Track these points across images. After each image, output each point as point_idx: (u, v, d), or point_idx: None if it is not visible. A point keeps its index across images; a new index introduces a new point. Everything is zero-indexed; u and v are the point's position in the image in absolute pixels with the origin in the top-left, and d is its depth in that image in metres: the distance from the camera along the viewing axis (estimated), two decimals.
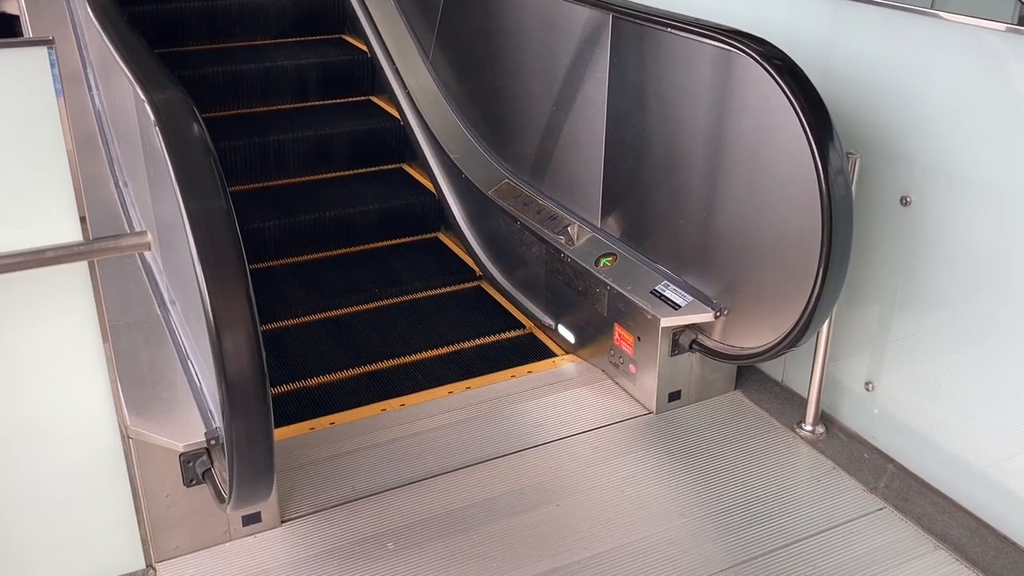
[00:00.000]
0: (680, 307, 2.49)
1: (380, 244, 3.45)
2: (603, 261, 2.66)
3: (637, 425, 2.53)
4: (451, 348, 2.91)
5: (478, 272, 3.30)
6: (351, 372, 2.75)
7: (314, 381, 2.69)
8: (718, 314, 2.44)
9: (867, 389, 2.48)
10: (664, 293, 2.56)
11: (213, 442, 1.79)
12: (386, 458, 2.36)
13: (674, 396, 2.62)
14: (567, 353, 2.90)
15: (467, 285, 3.30)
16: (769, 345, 2.30)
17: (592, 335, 2.73)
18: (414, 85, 3.74)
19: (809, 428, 2.62)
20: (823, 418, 2.56)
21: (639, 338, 2.57)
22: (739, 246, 2.30)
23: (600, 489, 2.27)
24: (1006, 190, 1.99)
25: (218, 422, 1.63)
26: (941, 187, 2.12)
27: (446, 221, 3.48)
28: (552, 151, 2.86)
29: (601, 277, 2.62)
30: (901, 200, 2.26)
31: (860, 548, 2.13)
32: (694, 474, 2.35)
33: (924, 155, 2.13)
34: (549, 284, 2.86)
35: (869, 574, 2.05)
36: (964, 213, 2.09)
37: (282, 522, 2.14)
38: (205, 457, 1.86)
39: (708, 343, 2.47)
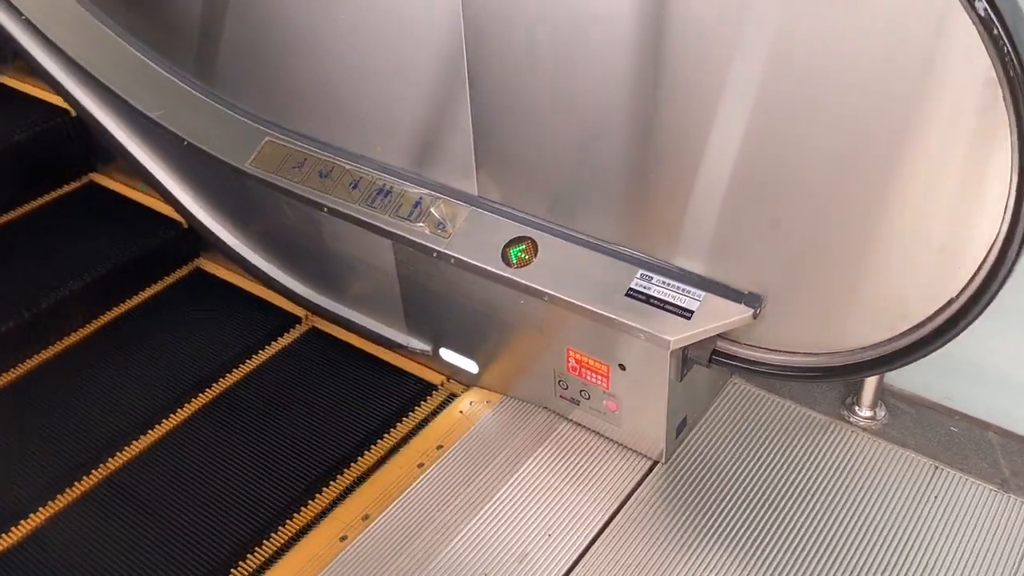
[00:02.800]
0: (692, 312, 1.72)
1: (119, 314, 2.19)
2: (516, 254, 1.83)
3: (655, 498, 1.80)
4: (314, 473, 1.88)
5: (300, 314, 2.23)
6: None
7: None
8: (757, 310, 1.68)
9: None
10: (651, 293, 1.76)
11: None
12: None
13: (680, 427, 1.92)
14: (468, 387, 2.07)
15: (288, 339, 2.17)
16: (909, 339, 1.53)
17: (511, 359, 1.97)
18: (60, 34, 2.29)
19: (867, 413, 1.96)
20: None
21: (623, 366, 1.82)
22: (801, 191, 1.52)
23: None
24: None
25: None
26: None
27: (203, 238, 2.31)
28: (351, 80, 1.88)
29: (525, 282, 1.80)
30: None
31: None
32: (783, 555, 1.69)
33: None
34: (411, 298, 2.05)
35: None
36: None
37: None
38: None
39: (749, 353, 1.73)
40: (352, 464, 1.90)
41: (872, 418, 1.95)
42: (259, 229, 2.24)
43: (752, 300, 1.69)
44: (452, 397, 2.08)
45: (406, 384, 2.10)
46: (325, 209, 1.99)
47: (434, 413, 2.05)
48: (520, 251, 1.83)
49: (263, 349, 2.14)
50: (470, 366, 2.07)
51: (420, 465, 1.88)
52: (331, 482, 1.86)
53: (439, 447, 1.93)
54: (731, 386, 2.04)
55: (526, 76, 1.64)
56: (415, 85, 1.79)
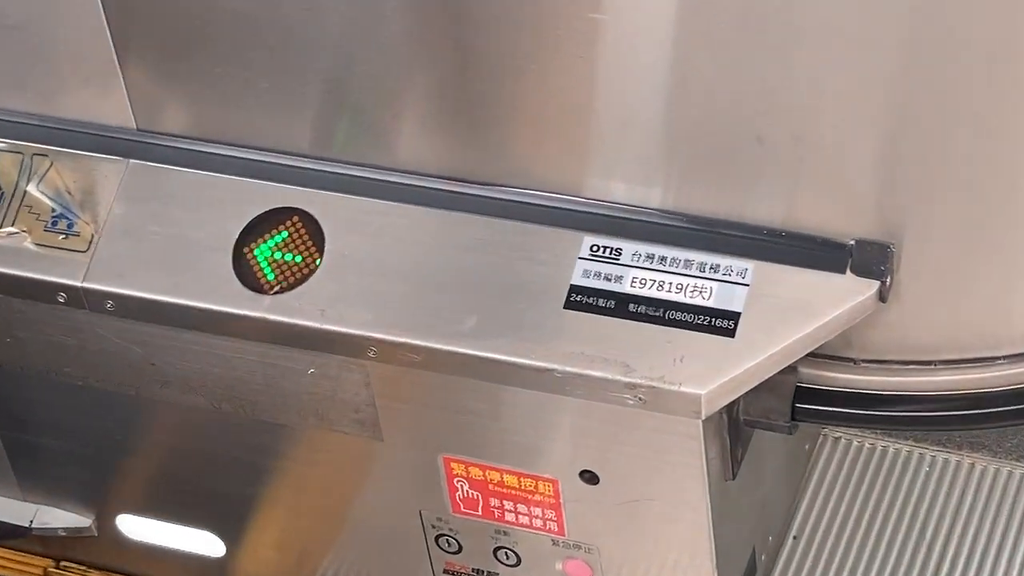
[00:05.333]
0: (738, 316, 1.77)
1: None
2: (272, 256, 1.91)
3: None
4: None
5: None
6: None
7: None
8: (886, 280, 1.76)
9: None
10: (627, 289, 1.81)
11: None
12: None
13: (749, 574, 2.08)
14: None
15: None
16: None
17: (307, 510, 2.17)
18: None
19: None
20: None
21: (590, 475, 1.89)
22: None
23: None
24: None
25: None
26: None
27: None
28: None
29: (304, 322, 1.88)
30: None
31: None
32: None
33: None
34: (12, 407, 2.24)
35: None
36: None
37: None
38: None
39: (871, 379, 1.87)
40: None
41: None
42: None
43: (870, 259, 1.72)
44: None
45: None
46: None
47: None
48: (279, 248, 1.86)
49: None
50: (208, 546, 2.16)
51: None
52: None
53: None
54: (829, 444, 2.15)
55: None
56: None
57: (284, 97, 1.85)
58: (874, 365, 1.80)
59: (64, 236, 1.87)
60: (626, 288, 1.74)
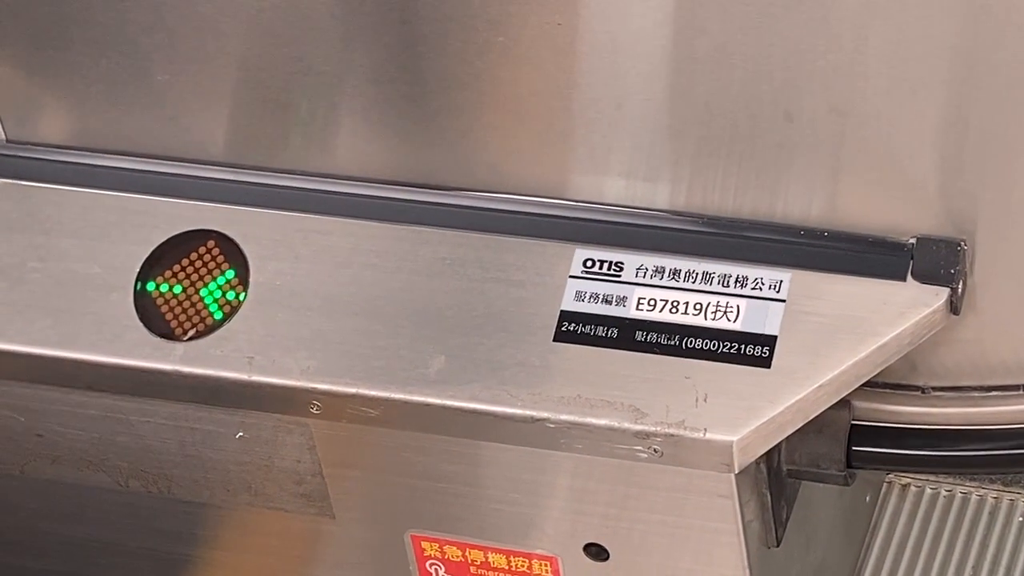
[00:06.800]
0: (774, 341, 1.76)
1: None
2: (201, 294, 1.90)
3: None
4: None
5: None
6: None
7: None
8: (957, 287, 1.75)
9: None
10: (631, 314, 1.81)
11: None
12: None
13: None
14: None
15: None
16: None
17: None
18: None
19: None
20: None
21: (597, 550, 1.88)
22: None
23: None
24: None
25: None
26: None
27: None
28: None
29: (222, 373, 1.84)
30: None
31: None
32: None
33: None
34: None
35: None
36: None
37: None
38: None
39: (944, 410, 1.89)
40: None
41: None
42: None
43: (935, 261, 1.71)
44: None
45: None
46: None
47: None
48: (192, 282, 1.84)
49: None
50: None
51: None
52: None
53: None
54: (896, 493, 2.23)
55: None
56: None
57: (189, 91, 1.82)
58: (947, 394, 1.78)
59: None
60: (631, 312, 1.70)
